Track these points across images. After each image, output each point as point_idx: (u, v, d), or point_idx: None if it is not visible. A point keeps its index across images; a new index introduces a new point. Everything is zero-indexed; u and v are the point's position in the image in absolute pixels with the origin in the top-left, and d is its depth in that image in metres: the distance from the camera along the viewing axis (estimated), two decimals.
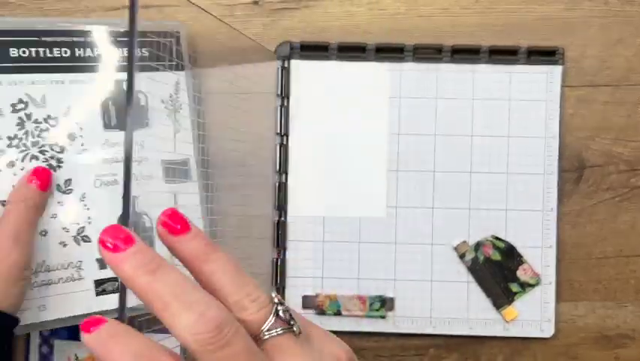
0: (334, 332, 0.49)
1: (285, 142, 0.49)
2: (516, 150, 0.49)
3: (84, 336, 0.28)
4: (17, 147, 0.44)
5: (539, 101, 0.49)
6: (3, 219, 0.41)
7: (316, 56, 0.49)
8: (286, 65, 0.49)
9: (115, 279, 0.46)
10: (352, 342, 0.49)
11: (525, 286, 0.49)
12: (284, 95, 0.49)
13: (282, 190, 0.49)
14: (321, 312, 0.49)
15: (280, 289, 0.49)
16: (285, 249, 0.49)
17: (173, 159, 0.47)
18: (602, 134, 0.50)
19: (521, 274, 0.49)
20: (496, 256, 0.49)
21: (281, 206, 0.49)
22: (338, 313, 0.49)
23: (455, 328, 0.49)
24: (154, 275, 0.28)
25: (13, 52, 0.44)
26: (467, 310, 0.49)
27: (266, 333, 0.27)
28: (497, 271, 0.49)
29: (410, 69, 0.49)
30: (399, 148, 0.49)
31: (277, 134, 0.49)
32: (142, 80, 0.45)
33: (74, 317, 0.45)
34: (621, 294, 0.50)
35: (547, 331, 0.49)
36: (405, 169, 0.49)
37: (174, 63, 0.46)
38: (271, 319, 0.27)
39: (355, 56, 0.49)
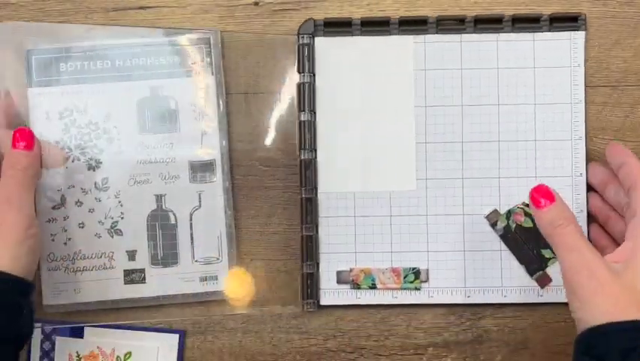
0: (369, 306, 0.50)
1: (312, 119, 0.49)
2: (543, 117, 0.49)
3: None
4: (62, 148, 0.49)
5: (564, 67, 0.49)
6: None
7: (340, 32, 0.49)
8: (311, 43, 0.49)
9: (141, 270, 0.49)
10: (351, 341, 0.50)
11: None
12: (310, 72, 0.49)
13: (310, 167, 0.49)
14: (356, 286, 0.49)
15: (314, 265, 0.49)
16: (317, 225, 0.49)
17: (199, 160, 0.49)
18: (600, 134, 0.50)
19: None
20: (528, 223, 0.49)
21: (311, 183, 0.49)
22: (373, 287, 0.49)
23: (489, 296, 0.49)
24: None
25: (63, 67, 0.49)
26: (501, 279, 0.49)
27: None
28: (529, 237, 0.49)
29: (434, 41, 0.49)
30: (426, 120, 0.49)
31: (302, 110, 0.49)
32: (171, 85, 0.49)
33: (104, 301, 0.49)
34: None
35: None
36: (433, 141, 0.49)
37: (204, 68, 0.49)
38: None
39: (379, 30, 0.49)
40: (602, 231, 0.48)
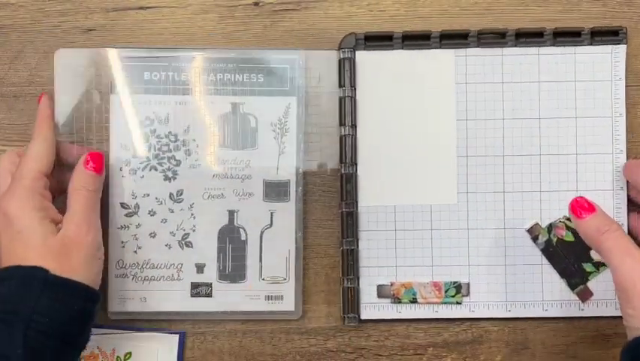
0: (411, 321, 0.50)
1: (353, 133, 0.49)
2: (584, 131, 0.49)
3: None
4: (140, 157, 0.49)
5: (605, 81, 0.49)
6: (71, 206, 0.44)
7: (381, 46, 0.49)
8: (352, 57, 0.49)
9: (208, 284, 0.49)
10: (351, 342, 0.50)
11: (599, 266, 0.49)
12: (351, 86, 0.49)
13: (351, 181, 0.49)
14: (397, 300, 0.49)
15: (354, 279, 0.49)
16: (357, 239, 0.49)
17: (275, 179, 0.49)
18: None
19: (595, 253, 0.49)
20: (569, 237, 0.49)
21: (351, 197, 0.49)
22: (414, 301, 0.49)
23: (530, 310, 0.49)
24: None
25: (147, 75, 0.49)
26: (542, 293, 0.49)
27: None
28: (570, 251, 0.49)
29: (475, 54, 0.49)
30: (467, 134, 0.49)
31: (343, 124, 0.49)
32: (253, 103, 0.49)
33: (169, 312, 0.49)
34: None
35: None
36: (474, 154, 0.49)
37: (286, 88, 0.49)
38: None
39: (420, 44, 0.49)
40: None
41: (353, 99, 0.49)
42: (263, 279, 0.49)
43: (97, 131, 0.49)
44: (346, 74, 0.49)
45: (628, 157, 0.49)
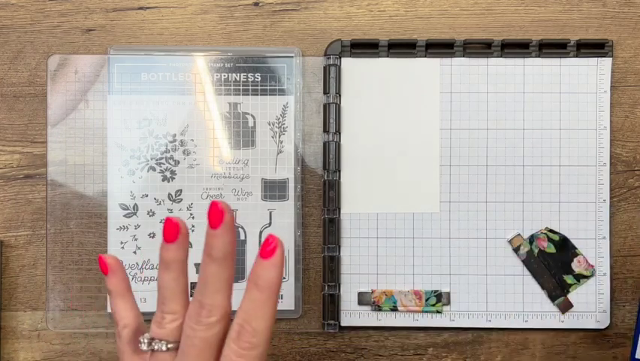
0: (390, 328, 0.50)
1: (337, 140, 0.49)
2: (568, 143, 0.49)
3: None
4: (138, 158, 0.49)
5: (590, 93, 0.49)
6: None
7: (366, 54, 0.49)
8: (337, 63, 0.49)
9: None
10: (351, 342, 0.50)
11: (580, 278, 0.49)
12: (336, 92, 0.49)
13: (334, 188, 0.49)
14: (378, 308, 0.49)
15: (336, 286, 0.49)
16: (339, 246, 0.49)
17: (273, 178, 0.49)
18: None
19: (576, 265, 0.49)
20: (551, 249, 0.49)
21: (334, 203, 0.49)
22: (394, 309, 0.49)
23: (511, 321, 0.49)
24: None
25: (144, 76, 0.49)
26: (522, 304, 0.49)
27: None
28: (552, 263, 0.49)
29: (460, 64, 0.49)
30: (451, 143, 0.49)
31: (327, 131, 0.49)
32: (251, 102, 0.49)
33: None
34: (619, 294, 0.50)
35: (603, 322, 0.49)
36: (457, 164, 0.49)
37: (284, 87, 0.49)
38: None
39: (405, 53, 0.49)
40: None
41: (338, 106, 0.49)
42: None
43: (93, 134, 0.49)
44: (331, 80, 0.49)
45: (611, 169, 0.49)
